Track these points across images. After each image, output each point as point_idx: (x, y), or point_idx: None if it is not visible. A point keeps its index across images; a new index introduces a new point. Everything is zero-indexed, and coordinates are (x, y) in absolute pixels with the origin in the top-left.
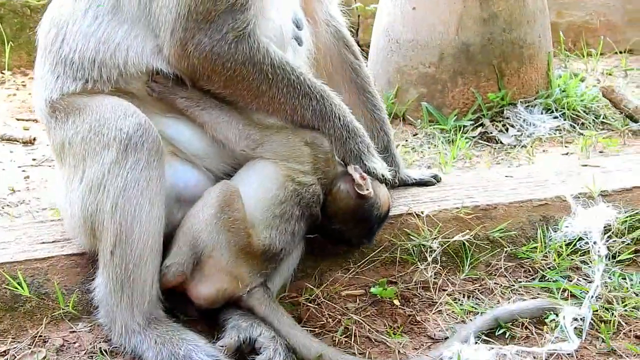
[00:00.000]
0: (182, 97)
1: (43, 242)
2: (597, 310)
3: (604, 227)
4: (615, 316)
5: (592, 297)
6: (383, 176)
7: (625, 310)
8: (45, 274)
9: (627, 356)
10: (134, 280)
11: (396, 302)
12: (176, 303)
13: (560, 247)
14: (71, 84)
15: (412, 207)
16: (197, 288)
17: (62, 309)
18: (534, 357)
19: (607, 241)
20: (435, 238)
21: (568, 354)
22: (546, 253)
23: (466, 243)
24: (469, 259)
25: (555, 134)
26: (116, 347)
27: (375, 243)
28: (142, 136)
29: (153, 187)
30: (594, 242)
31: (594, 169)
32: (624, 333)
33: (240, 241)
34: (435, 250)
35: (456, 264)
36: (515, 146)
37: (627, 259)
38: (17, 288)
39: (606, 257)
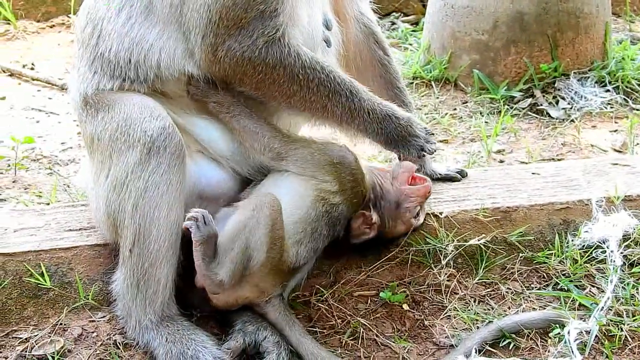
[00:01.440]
0: (213, 102)
1: (70, 230)
2: (604, 325)
3: (623, 235)
4: (623, 330)
5: (602, 309)
6: (425, 153)
7: (635, 325)
8: (69, 263)
9: None
10: (149, 279)
11: (405, 306)
12: (193, 298)
13: (577, 254)
14: (108, 82)
15: (432, 206)
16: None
17: (83, 299)
18: None
19: (625, 250)
20: (451, 242)
21: None
22: (562, 259)
23: (482, 247)
24: (484, 263)
25: (606, 108)
26: (130, 340)
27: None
28: (165, 140)
29: (172, 191)
30: (611, 251)
31: (623, 169)
32: (629, 349)
33: (276, 257)
34: (450, 254)
35: (471, 267)
36: (564, 120)
37: None
38: (38, 280)
39: (621, 268)
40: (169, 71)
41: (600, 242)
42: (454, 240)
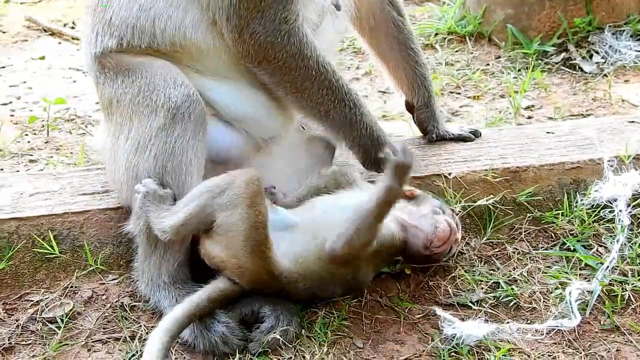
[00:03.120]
0: None
1: (84, 194)
2: (607, 285)
3: (632, 195)
4: (627, 290)
5: (607, 268)
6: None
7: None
8: (81, 227)
9: (629, 334)
10: (167, 241)
11: (407, 270)
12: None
13: (585, 214)
14: (108, 40)
15: (442, 167)
16: (206, 242)
17: (93, 264)
18: (536, 331)
19: (634, 210)
20: (459, 202)
21: (569, 330)
22: (571, 219)
23: (490, 207)
24: (491, 223)
25: None
26: (137, 302)
27: None
28: (190, 107)
29: (200, 156)
30: (619, 211)
31: (639, 127)
32: (632, 308)
33: (256, 240)
34: (457, 214)
35: (479, 227)
36: (596, 75)
37: None
38: (50, 244)
39: (629, 227)
40: (171, 39)
41: (609, 202)
42: (461, 201)
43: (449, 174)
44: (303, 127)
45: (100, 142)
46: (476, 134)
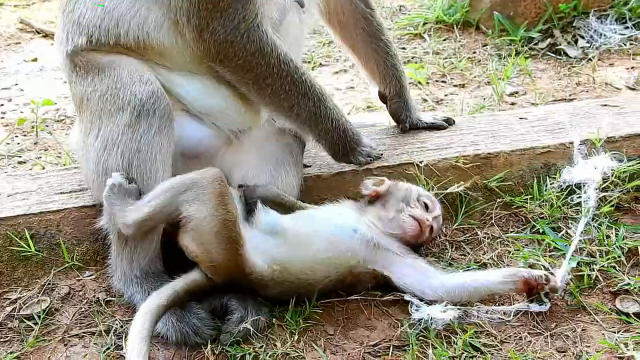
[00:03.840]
0: None
1: (61, 193)
2: (578, 265)
3: (602, 177)
4: (594, 270)
5: (573, 251)
6: (372, 159)
7: (606, 265)
8: (58, 225)
9: (595, 313)
10: (134, 236)
11: None
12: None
13: (555, 197)
14: (78, 39)
15: (414, 155)
16: (183, 235)
17: (70, 261)
18: (504, 314)
19: (603, 192)
20: (431, 190)
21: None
22: (541, 203)
23: (461, 193)
24: (463, 209)
25: (625, 45)
26: (112, 297)
27: None
28: (155, 103)
29: (164, 151)
30: (585, 193)
31: (612, 110)
32: (598, 288)
33: (226, 236)
34: None
35: (451, 213)
36: (581, 59)
37: (625, 207)
38: (28, 243)
39: (597, 209)
40: (134, 39)
41: (577, 186)
42: (434, 188)
43: (421, 162)
44: (274, 119)
45: (75, 140)
46: (449, 122)
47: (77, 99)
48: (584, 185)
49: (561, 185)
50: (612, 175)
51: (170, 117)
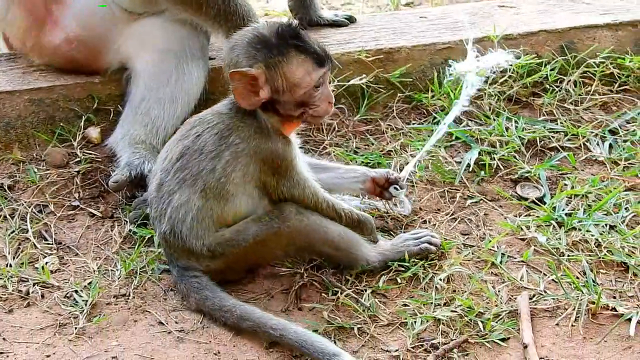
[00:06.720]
0: None
1: None
2: (478, 155)
3: (500, 70)
4: (495, 160)
5: (474, 140)
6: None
7: (505, 154)
8: None
9: (497, 200)
10: None
11: None
12: None
13: (452, 91)
14: None
15: None
16: None
17: None
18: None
19: (501, 85)
20: (332, 81)
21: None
22: (441, 97)
23: (364, 86)
24: (365, 101)
25: None
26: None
27: None
28: None
29: None
30: (466, 81)
31: (509, 11)
32: (499, 176)
33: None
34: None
35: (352, 106)
36: None
37: (523, 102)
38: None
39: (497, 101)
40: None
41: (471, 78)
42: (335, 80)
43: None
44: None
45: None
46: (351, 20)
47: None
48: (464, 76)
49: (457, 79)
50: (511, 68)
51: None
